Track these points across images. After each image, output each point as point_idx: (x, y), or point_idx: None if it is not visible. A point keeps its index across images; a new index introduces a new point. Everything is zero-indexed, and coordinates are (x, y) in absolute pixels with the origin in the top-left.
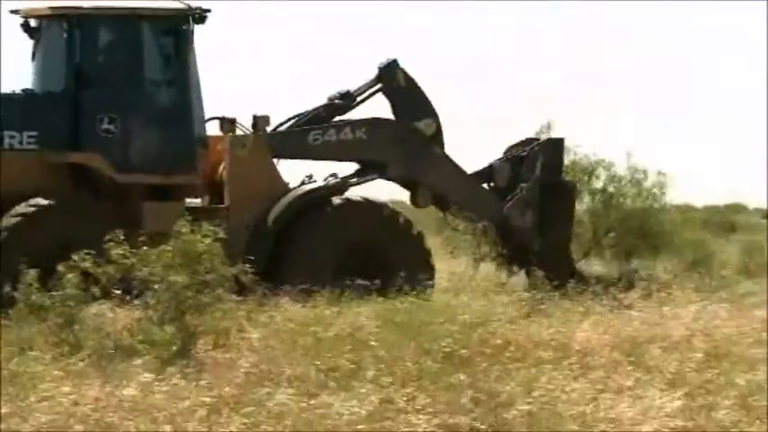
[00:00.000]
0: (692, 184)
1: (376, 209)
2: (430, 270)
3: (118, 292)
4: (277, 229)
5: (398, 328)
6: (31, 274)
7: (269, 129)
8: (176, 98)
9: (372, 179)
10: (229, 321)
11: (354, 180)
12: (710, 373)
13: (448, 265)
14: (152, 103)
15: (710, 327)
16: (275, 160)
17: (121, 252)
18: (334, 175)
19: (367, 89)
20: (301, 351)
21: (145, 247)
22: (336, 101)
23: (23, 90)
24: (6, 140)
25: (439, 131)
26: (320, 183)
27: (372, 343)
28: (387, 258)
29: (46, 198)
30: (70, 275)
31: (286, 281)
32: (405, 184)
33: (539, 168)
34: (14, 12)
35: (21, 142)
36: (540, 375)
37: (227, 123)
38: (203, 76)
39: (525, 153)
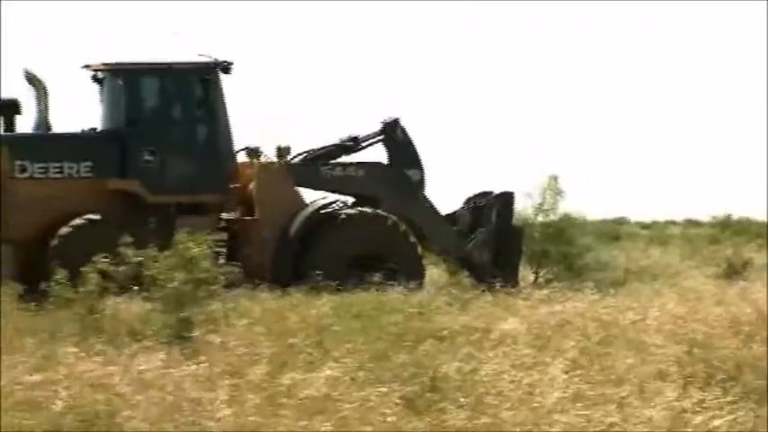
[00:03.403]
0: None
1: (381, 219)
2: (422, 269)
3: (134, 287)
4: (299, 237)
5: (354, 317)
6: (61, 272)
7: (289, 156)
8: (205, 134)
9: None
10: (220, 312)
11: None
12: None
13: None
14: (184, 138)
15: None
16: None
17: (132, 257)
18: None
19: (371, 138)
20: (277, 334)
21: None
22: (346, 143)
23: (82, 129)
24: (66, 170)
25: (422, 180)
26: (332, 198)
27: (335, 328)
28: (388, 260)
29: (98, 215)
30: (92, 274)
31: (309, 279)
32: None
33: (494, 216)
34: (86, 66)
35: (78, 171)
36: (468, 355)
37: (253, 152)
38: (236, 112)
39: (483, 204)
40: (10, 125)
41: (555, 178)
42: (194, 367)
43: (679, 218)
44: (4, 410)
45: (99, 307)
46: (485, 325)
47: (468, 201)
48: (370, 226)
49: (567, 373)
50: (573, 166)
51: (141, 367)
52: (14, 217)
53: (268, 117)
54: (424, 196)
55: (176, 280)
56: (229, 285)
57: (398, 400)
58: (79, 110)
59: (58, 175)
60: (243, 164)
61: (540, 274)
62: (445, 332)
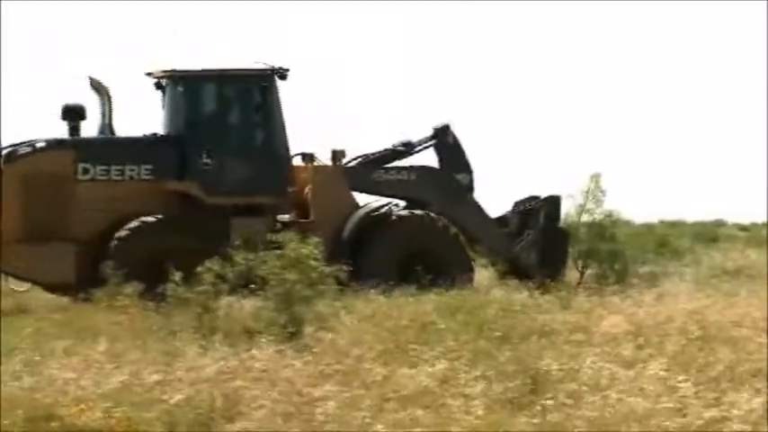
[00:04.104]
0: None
1: (431, 220)
2: (471, 270)
3: (252, 286)
4: (352, 238)
5: (457, 315)
6: (177, 273)
7: (344, 160)
8: (261, 138)
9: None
10: (329, 310)
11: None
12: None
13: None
14: (241, 142)
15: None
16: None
17: (243, 258)
18: (395, 204)
19: (424, 143)
20: (384, 332)
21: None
22: (399, 148)
23: (144, 134)
24: (127, 172)
25: (471, 184)
26: (384, 201)
27: (440, 326)
28: (439, 260)
29: (157, 216)
30: (206, 275)
31: (362, 279)
32: None
33: (542, 219)
34: (148, 74)
35: (138, 174)
36: (569, 352)
37: (308, 157)
38: (292, 118)
39: (531, 207)
40: (75, 130)
41: (597, 178)
42: (305, 363)
43: None
44: (123, 405)
45: (214, 306)
46: (585, 323)
47: (517, 204)
48: (421, 227)
49: (666, 370)
50: (675, 169)
51: (255, 363)
52: (76, 217)
53: (324, 122)
54: (473, 199)
55: (287, 280)
56: (337, 284)
57: (501, 396)
58: (143, 116)
59: (118, 178)
60: (298, 168)
61: (586, 274)
62: (547, 329)
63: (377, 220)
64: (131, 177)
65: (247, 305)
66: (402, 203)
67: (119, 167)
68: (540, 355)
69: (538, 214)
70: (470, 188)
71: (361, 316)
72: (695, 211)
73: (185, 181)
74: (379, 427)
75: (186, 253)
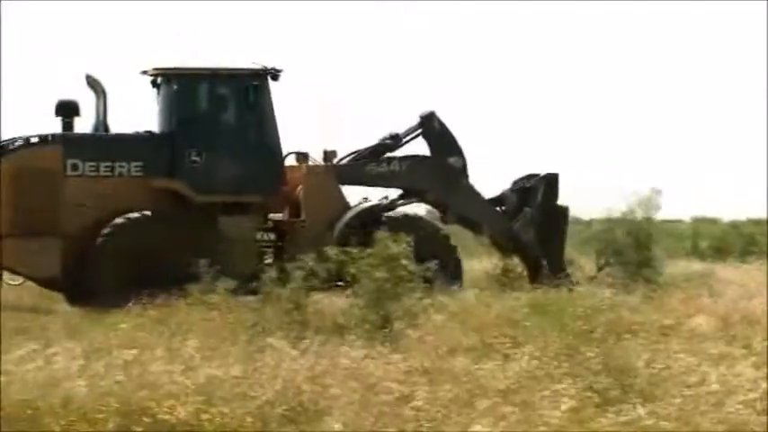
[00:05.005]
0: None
1: (420, 220)
2: (460, 270)
3: (340, 283)
4: (343, 238)
5: (544, 312)
6: (272, 270)
7: (335, 160)
8: (252, 137)
9: (413, 202)
10: (418, 307)
11: (401, 202)
12: None
13: None
14: (231, 141)
15: None
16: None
17: (335, 254)
18: (385, 197)
19: (411, 133)
20: (471, 329)
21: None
22: (387, 141)
23: (136, 131)
24: (117, 169)
25: (464, 167)
26: (375, 201)
27: (526, 323)
28: (427, 259)
29: (143, 213)
30: (298, 272)
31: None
32: (437, 206)
33: (540, 196)
34: (144, 72)
35: (128, 170)
36: (656, 349)
37: (301, 156)
38: (286, 119)
39: (529, 185)
40: (68, 126)
41: (656, 193)
42: (394, 360)
43: None
44: (215, 401)
45: (304, 302)
46: (673, 320)
47: (515, 183)
48: (410, 227)
49: (757, 368)
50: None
51: (345, 360)
52: (64, 213)
53: (317, 122)
54: (468, 182)
55: (378, 277)
56: (426, 282)
57: (589, 392)
58: (139, 114)
59: (108, 174)
60: (291, 167)
61: (603, 271)
62: (635, 326)
63: (368, 220)
64: (120, 174)
65: (338, 302)
66: (394, 197)
67: (108, 164)
68: (628, 351)
69: (536, 192)
70: (464, 171)
71: (449, 313)
72: None
73: (174, 179)
74: (468, 422)
75: (172, 250)
